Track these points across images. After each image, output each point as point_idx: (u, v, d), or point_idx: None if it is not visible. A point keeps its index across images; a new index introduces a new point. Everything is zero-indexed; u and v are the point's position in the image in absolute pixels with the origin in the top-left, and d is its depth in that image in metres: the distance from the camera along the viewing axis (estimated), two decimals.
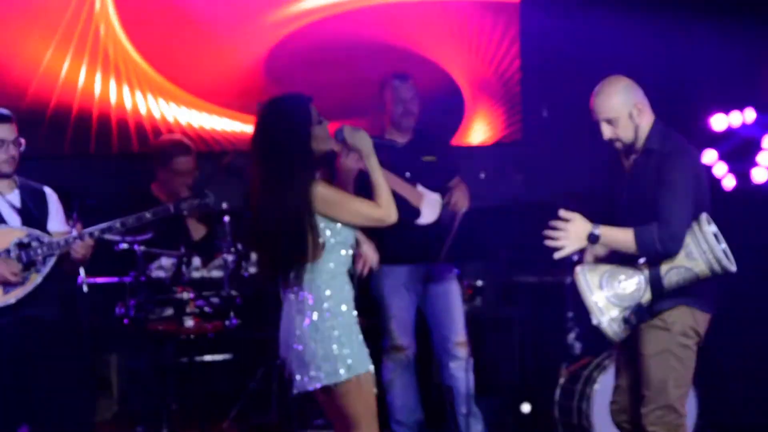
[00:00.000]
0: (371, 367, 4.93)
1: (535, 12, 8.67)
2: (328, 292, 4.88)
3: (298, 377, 4.93)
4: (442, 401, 6.94)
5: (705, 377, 6.90)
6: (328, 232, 4.88)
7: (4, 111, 5.76)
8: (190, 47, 8.08)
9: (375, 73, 7.42)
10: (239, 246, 7.05)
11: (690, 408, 6.79)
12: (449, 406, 6.93)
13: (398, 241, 6.52)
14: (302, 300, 4.89)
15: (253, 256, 7.12)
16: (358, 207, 4.94)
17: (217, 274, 7.16)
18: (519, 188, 8.59)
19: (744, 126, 7.82)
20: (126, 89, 7.97)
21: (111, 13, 7.93)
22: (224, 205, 7.07)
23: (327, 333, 4.85)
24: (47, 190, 5.92)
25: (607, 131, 5.26)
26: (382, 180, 4.98)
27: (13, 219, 5.72)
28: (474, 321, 7.35)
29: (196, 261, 7.16)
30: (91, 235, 5.68)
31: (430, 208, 6.80)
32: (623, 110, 5.22)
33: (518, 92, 8.79)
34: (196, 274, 7.16)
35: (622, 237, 5.11)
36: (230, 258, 7.05)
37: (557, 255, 5.16)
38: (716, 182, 7.69)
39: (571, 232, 5.13)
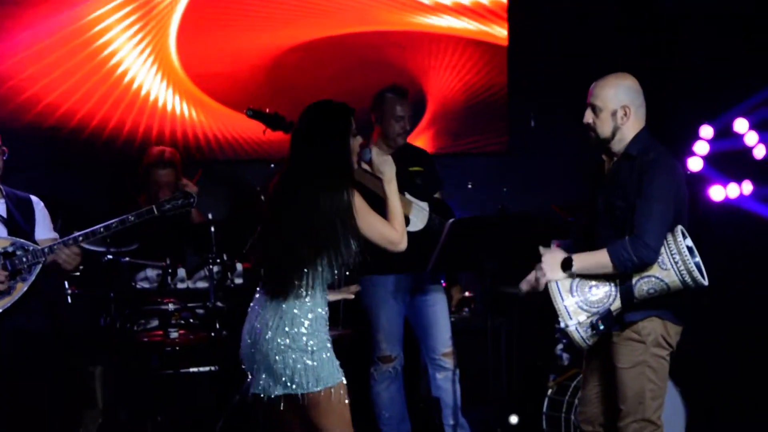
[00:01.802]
0: (343, 379, 4.92)
1: (524, 22, 8.67)
2: (308, 303, 4.88)
3: (262, 382, 4.92)
4: (428, 413, 6.90)
5: (693, 387, 6.93)
6: (342, 245, 4.89)
7: None
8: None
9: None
10: (225, 257, 7.02)
11: (679, 420, 6.83)
12: (436, 417, 6.90)
13: (389, 251, 6.52)
14: (283, 307, 4.87)
15: (239, 267, 7.11)
16: (375, 222, 4.96)
17: (202, 285, 7.13)
18: (507, 198, 8.57)
19: None
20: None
21: None
22: (210, 216, 7.05)
23: (301, 343, 4.84)
24: (34, 198, 5.89)
25: (587, 116, 5.27)
26: (399, 207, 5.03)
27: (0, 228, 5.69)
28: (461, 332, 7.32)
29: (181, 272, 7.13)
30: (75, 240, 5.63)
31: (418, 216, 6.78)
32: (609, 104, 5.21)
33: (505, 102, 8.78)
34: (181, 285, 7.14)
35: (598, 259, 5.11)
36: (215, 269, 7.02)
37: (535, 285, 5.24)
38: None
39: (545, 265, 5.16)
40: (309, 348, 4.85)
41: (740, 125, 8.35)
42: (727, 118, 8.36)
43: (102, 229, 5.66)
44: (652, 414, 5.21)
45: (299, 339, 4.84)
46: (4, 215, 5.73)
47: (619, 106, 5.21)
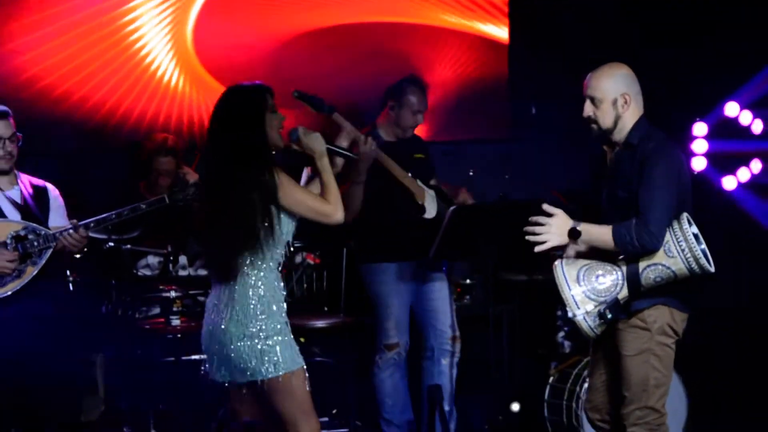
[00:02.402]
0: (303, 364, 4.94)
1: (525, 9, 8.66)
2: (261, 290, 4.89)
3: (223, 371, 4.94)
4: (432, 401, 6.87)
5: (696, 376, 6.93)
6: (275, 222, 4.90)
7: (1, 107, 5.80)
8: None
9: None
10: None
11: (681, 407, 6.83)
12: (437, 405, 6.87)
13: (403, 237, 6.53)
14: (235, 296, 4.89)
15: None
16: (304, 197, 4.97)
17: (203, 272, 7.12)
18: (508, 185, 8.56)
19: None
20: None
21: None
22: None
23: (256, 330, 4.86)
24: (50, 186, 5.98)
25: (587, 109, 5.25)
26: (332, 180, 5.03)
27: (14, 214, 5.78)
28: (463, 319, 7.32)
29: (183, 259, 7.13)
30: (86, 226, 5.68)
31: (431, 204, 6.80)
32: (609, 94, 5.20)
33: (506, 90, 8.77)
34: (182, 272, 7.14)
35: (601, 233, 5.10)
36: None
37: (538, 249, 5.16)
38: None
39: (553, 227, 5.12)
40: (263, 334, 4.87)
41: (731, 109, 8.33)
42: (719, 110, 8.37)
43: (114, 216, 5.73)
44: (655, 402, 5.21)
45: (253, 326, 4.86)
46: (20, 201, 5.80)
47: (618, 95, 5.20)
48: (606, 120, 5.23)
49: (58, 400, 5.86)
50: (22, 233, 5.67)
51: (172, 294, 6.89)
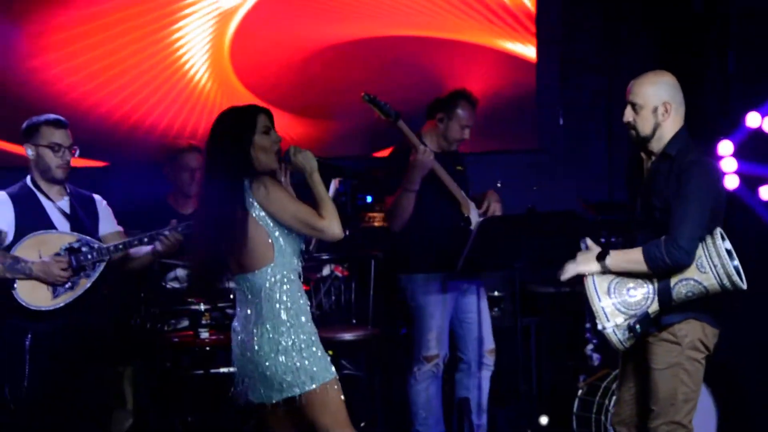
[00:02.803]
0: (335, 374, 4.97)
1: (552, 19, 8.64)
2: (287, 303, 4.93)
3: (261, 390, 4.97)
4: (461, 415, 6.86)
5: (725, 391, 6.89)
6: (276, 233, 4.94)
7: (62, 118, 5.88)
8: None
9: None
10: None
11: (710, 422, 6.79)
12: (465, 417, 6.87)
13: (449, 248, 6.51)
14: (261, 312, 4.93)
15: None
16: (297, 210, 4.98)
17: (232, 284, 7.11)
18: (536, 196, 8.55)
19: None
20: None
21: None
22: None
23: (288, 344, 4.89)
24: (96, 197, 6.04)
25: (627, 114, 5.23)
26: (325, 195, 5.05)
27: (63, 225, 5.81)
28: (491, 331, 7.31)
29: None
30: (140, 240, 5.81)
31: (474, 215, 6.81)
32: (650, 101, 5.18)
33: (534, 101, 8.76)
34: None
35: (632, 258, 5.09)
36: None
37: (563, 277, 5.20)
38: None
39: (580, 258, 5.15)
40: (296, 347, 4.90)
41: (752, 119, 8.27)
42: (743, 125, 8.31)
43: (180, 229, 5.82)
44: (683, 417, 5.18)
45: (285, 340, 4.90)
46: (69, 212, 5.84)
47: (659, 103, 5.17)
48: (645, 127, 5.20)
49: (89, 413, 5.87)
50: (76, 245, 5.73)
51: (201, 307, 6.89)
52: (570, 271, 5.18)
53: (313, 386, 4.89)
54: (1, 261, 5.61)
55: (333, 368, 4.98)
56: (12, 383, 5.75)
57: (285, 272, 4.95)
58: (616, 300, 5.10)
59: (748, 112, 8.08)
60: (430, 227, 6.75)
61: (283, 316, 4.90)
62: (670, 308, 5.10)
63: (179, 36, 8.10)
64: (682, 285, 5.05)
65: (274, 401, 4.95)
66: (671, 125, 5.20)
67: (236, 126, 5.04)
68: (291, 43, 8.27)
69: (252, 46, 8.22)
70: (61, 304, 5.68)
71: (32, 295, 5.66)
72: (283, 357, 4.88)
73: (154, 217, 7.01)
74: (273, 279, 4.93)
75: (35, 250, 5.67)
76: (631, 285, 5.11)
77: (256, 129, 5.03)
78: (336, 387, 4.96)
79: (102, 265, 5.77)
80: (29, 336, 5.66)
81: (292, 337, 4.90)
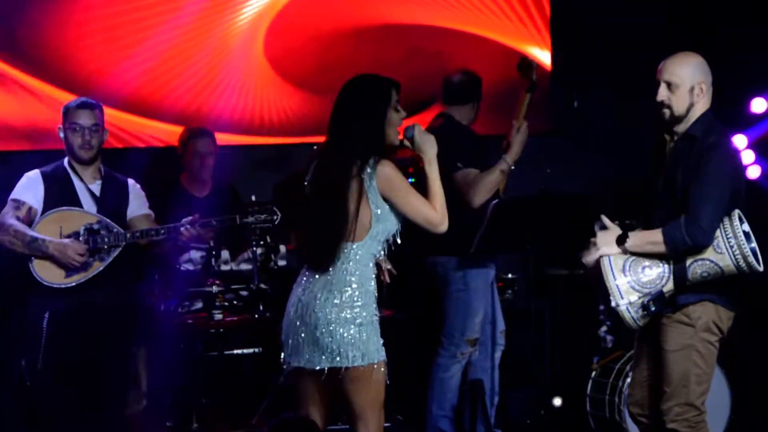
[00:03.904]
0: (385, 358, 4.95)
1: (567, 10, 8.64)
2: (358, 279, 4.89)
3: (307, 355, 4.92)
4: (474, 397, 6.85)
5: (738, 374, 6.88)
6: (378, 217, 4.89)
7: (86, 99, 5.98)
8: None
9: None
10: (268, 239, 7.04)
11: (723, 405, 6.78)
12: (479, 399, 6.85)
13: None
14: (332, 280, 4.89)
15: (282, 249, 7.13)
16: (416, 201, 4.95)
17: (245, 267, 7.14)
18: (550, 180, 8.53)
19: None
20: None
21: None
22: (252, 198, 7.06)
23: (351, 316, 4.86)
24: (130, 181, 6.13)
25: (662, 93, 5.20)
26: (439, 188, 4.99)
27: (91, 206, 5.93)
28: (505, 314, 7.31)
29: (225, 254, 7.15)
30: (157, 232, 5.82)
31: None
32: (688, 81, 5.16)
33: (547, 83, 8.75)
34: (224, 267, 7.15)
35: (652, 238, 5.08)
36: (259, 251, 7.03)
37: (586, 260, 5.19)
38: None
39: (600, 240, 5.13)
40: (357, 321, 4.87)
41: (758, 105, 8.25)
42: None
43: (215, 222, 5.85)
44: (696, 398, 5.18)
45: (349, 312, 4.86)
46: (98, 194, 5.95)
47: (696, 83, 5.17)
48: (680, 106, 5.18)
49: (110, 392, 5.94)
50: (96, 227, 5.82)
51: (215, 289, 6.91)
52: (592, 254, 5.17)
53: (363, 363, 4.86)
54: (22, 238, 5.74)
55: (384, 351, 4.96)
56: (28, 358, 5.90)
57: (368, 253, 4.92)
58: (631, 278, 5.10)
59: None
60: (484, 210, 6.68)
61: (354, 290, 4.87)
62: (686, 288, 5.09)
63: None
64: (697, 265, 5.04)
65: (317, 368, 4.91)
66: (701, 106, 5.20)
67: (374, 98, 4.95)
68: (321, 22, 8.37)
69: (286, 25, 8.32)
70: (73, 284, 5.79)
71: (46, 271, 5.78)
72: (341, 328, 4.85)
73: (166, 197, 7.07)
74: (356, 256, 4.89)
75: (56, 225, 5.80)
76: (647, 264, 5.11)
77: (390, 102, 4.96)
78: (383, 370, 4.94)
79: (117, 250, 5.84)
80: (47, 313, 5.78)
81: (356, 311, 4.87)
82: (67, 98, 6.58)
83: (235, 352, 6.93)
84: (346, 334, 4.85)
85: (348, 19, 8.44)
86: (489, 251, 6.92)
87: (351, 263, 4.89)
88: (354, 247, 4.89)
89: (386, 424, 6.97)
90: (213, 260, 7.07)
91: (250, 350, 7.00)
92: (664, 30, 8.35)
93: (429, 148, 5.01)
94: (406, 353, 7.11)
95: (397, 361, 7.15)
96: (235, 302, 7.09)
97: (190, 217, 5.84)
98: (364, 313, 4.90)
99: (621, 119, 8.41)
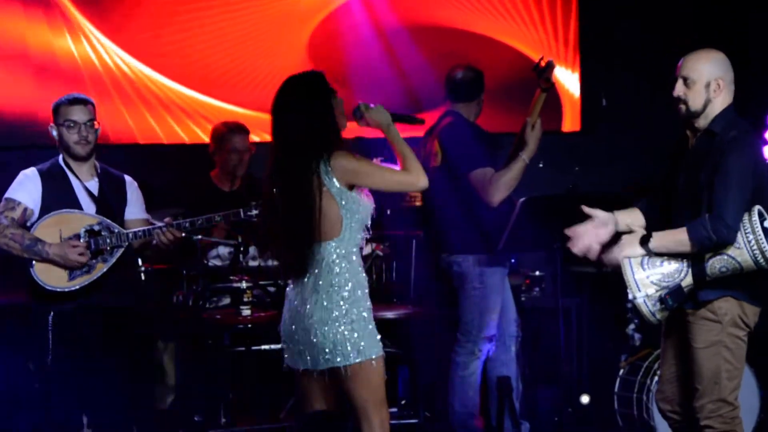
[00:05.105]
0: (382, 352, 4.95)
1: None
2: (346, 275, 4.90)
3: (307, 356, 4.93)
4: (502, 394, 6.84)
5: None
6: (347, 208, 4.89)
7: (78, 95, 5.87)
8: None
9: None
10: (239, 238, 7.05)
11: (753, 403, 6.76)
12: (506, 397, 6.85)
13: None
14: (319, 281, 4.90)
15: (252, 250, 7.15)
16: (383, 173, 4.97)
17: (273, 262, 7.15)
18: (577, 178, 8.53)
19: None
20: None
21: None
22: None
23: (342, 314, 4.87)
24: (128, 179, 6.00)
25: (678, 88, 5.19)
26: (405, 148, 4.99)
27: (89, 206, 5.79)
28: (532, 312, 7.29)
29: (253, 250, 7.16)
30: (161, 230, 5.72)
31: None
32: (703, 77, 5.15)
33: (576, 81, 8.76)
34: (252, 263, 7.17)
35: (676, 237, 5.06)
36: (228, 250, 7.08)
37: (610, 262, 5.21)
38: None
39: (624, 242, 5.13)
40: (349, 319, 4.88)
41: None
42: None
43: (188, 224, 5.77)
44: (728, 394, 5.16)
45: (339, 311, 4.87)
46: (96, 193, 5.82)
47: (712, 79, 5.15)
48: (696, 102, 5.17)
49: (129, 389, 5.89)
50: (96, 228, 5.70)
51: (243, 284, 6.92)
52: (616, 257, 5.17)
53: (359, 360, 4.86)
54: (19, 241, 5.61)
55: (381, 346, 4.96)
56: (36, 360, 5.84)
57: (349, 246, 4.92)
58: (649, 272, 5.09)
59: None
60: (506, 206, 6.68)
61: (341, 288, 4.88)
62: (706, 284, 5.08)
63: None
64: (716, 260, 5.03)
65: (319, 369, 4.93)
66: (720, 102, 5.17)
67: (316, 94, 4.95)
68: (364, 25, 8.55)
69: (333, 28, 8.53)
70: (77, 287, 5.66)
71: (49, 275, 5.65)
72: (335, 327, 4.85)
73: (196, 194, 7.10)
74: (337, 252, 4.90)
75: (56, 228, 5.67)
76: (665, 258, 5.10)
77: (331, 94, 4.97)
78: (381, 365, 4.94)
79: (120, 251, 5.72)
80: (51, 314, 5.66)
81: (346, 309, 4.87)
82: None
83: (263, 347, 6.94)
84: (339, 334, 4.86)
85: (390, 21, 8.55)
86: (516, 249, 6.91)
87: (334, 261, 4.89)
88: (333, 244, 4.90)
89: (413, 421, 7.05)
90: (241, 256, 7.09)
91: (278, 345, 6.95)
92: (693, 26, 8.34)
93: (381, 118, 5.04)
94: (432, 350, 7.13)
95: (423, 358, 7.22)
96: (262, 298, 7.11)
97: (167, 218, 5.78)
98: (355, 310, 4.90)
99: (649, 117, 8.40)
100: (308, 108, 4.91)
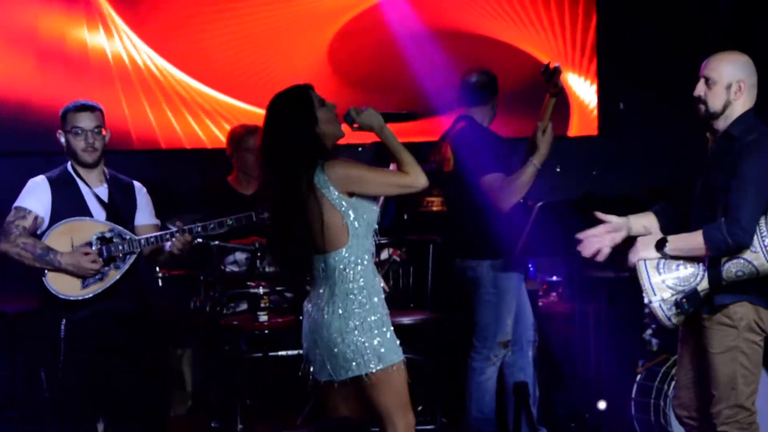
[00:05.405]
0: (402, 357, 4.93)
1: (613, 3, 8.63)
2: (361, 282, 4.89)
3: (328, 367, 4.92)
4: (520, 399, 6.82)
5: None
6: (351, 215, 4.87)
7: (85, 101, 5.82)
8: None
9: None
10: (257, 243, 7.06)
11: None
12: (524, 402, 6.83)
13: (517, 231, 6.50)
14: (335, 290, 4.89)
15: None
16: (381, 177, 4.94)
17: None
18: (595, 182, 8.52)
19: None
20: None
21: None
22: None
23: (359, 323, 4.85)
24: (137, 184, 5.97)
25: (699, 88, 5.17)
26: (401, 148, 4.95)
27: (100, 213, 5.76)
28: (549, 317, 7.27)
29: None
30: (172, 236, 5.71)
31: None
32: (725, 78, 5.13)
33: (595, 84, 8.75)
34: (270, 269, 7.17)
35: (692, 241, 5.04)
36: (245, 255, 7.09)
37: (629, 265, 5.19)
38: None
39: (640, 244, 5.12)
40: (365, 327, 4.86)
41: None
42: None
43: (199, 229, 5.75)
44: (745, 400, 5.14)
45: (356, 320, 4.85)
46: (106, 200, 5.79)
47: (734, 81, 5.13)
48: (715, 103, 5.15)
49: (146, 395, 5.89)
50: (108, 235, 5.68)
51: (260, 290, 6.92)
52: (632, 260, 5.16)
53: (380, 367, 4.85)
54: (31, 251, 5.58)
55: (401, 351, 4.94)
56: (48, 369, 5.78)
57: (359, 253, 4.90)
58: (665, 276, 5.09)
59: None
60: (517, 210, 6.66)
61: (356, 296, 4.87)
62: (722, 288, 5.06)
63: None
64: (732, 264, 5.01)
65: (341, 379, 4.91)
66: (741, 105, 5.15)
67: (297, 108, 4.93)
68: (386, 28, 8.59)
69: (356, 30, 8.60)
70: (90, 295, 5.63)
71: (62, 284, 5.61)
72: (353, 336, 4.84)
73: (215, 198, 7.10)
74: (347, 260, 4.88)
75: (67, 237, 5.64)
76: (681, 262, 5.09)
77: (314, 105, 4.95)
78: (402, 369, 4.92)
79: (132, 257, 5.70)
80: (63, 323, 5.62)
81: (363, 317, 4.86)
82: None
83: (280, 353, 6.94)
84: (358, 343, 4.85)
85: (409, 25, 8.59)
86: (533, 254, 6.89)
87: (346, 270, 4.88)
88: (343, 253, 4.88)
89: (430, 427, 7.04)
90: (258, 261, 7.09)
91: (295, 352, 7.00)
92: (710, 31, 8.32)
93: (372, 121, 4.99)
94: (451, 355, 7.12)
95: (441, 363, 7.21)
96: (279, 304, 7.11)
97: (178, 222, 5.77)
98: (372, 318, 4.88)
99: (666, 122, 8.38)
100: (289, 123, 4.91)
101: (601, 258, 5.29)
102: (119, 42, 8.36)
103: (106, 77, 8.31)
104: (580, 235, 5.33)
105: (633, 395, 7.09)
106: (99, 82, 8.25)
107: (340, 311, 4.87)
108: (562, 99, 7.39)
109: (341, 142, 5.07)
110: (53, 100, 7.59)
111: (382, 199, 5.96)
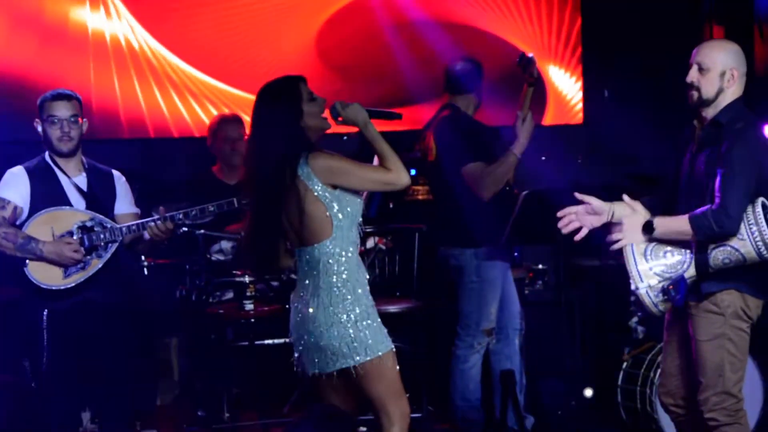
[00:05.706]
0: (392, 346, 4.93)
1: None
2: (344, 275, 4.88)
3: (316, 360, 4.92)
4: (506, 386, 6.84)
5: None
6: (335, 207, 4.86)
7: (62, 90, 5.80)
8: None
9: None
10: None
11: (757, 392, 6.75)
12: (510, 390, 6.84)
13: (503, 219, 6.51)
14: (319, 283, 4.88)
15: None
16: (363, 172, 4.91)
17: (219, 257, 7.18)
18: (580, 171, 8.53)
19: None
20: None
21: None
22: None
23: (345, 315, 4.84)
24: (115, 173, 5.95)
25: (692, 74, 5.18)
26: (384, 145, 4.94)
27: (79, 202, 5.75)
28: (535, 305, 7.28)
29: None
30: (154, 223, 5.69)
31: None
32: (719, 65, 5.14)
33: (579, 72, 8.76)
34: None
35: (679, 225, 5.06)
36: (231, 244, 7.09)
37: (614, 247, 5.18)
38: None
39: (626, 226, 5.11)
40: (352, 319, 4.85)
41: None
42: None
43: (181, 215, 5.72)
44: (732, 387, 5.16)
45: (341, 312, 4.85)
46: (85, 189, 5.78)
47: (728, 68, 5.14)
48: (708, 90, 5.16)
49: (132, 384, 5.88)
50: (89, 224, 5.67)
51: (246, 279, 6.92)
52: (619, 243, 5.17)
53: (368, 358, 4.84)
54: (12, 240, 5.57)
55: (389, 340, 4.93)
56: (32, 359, 5.76)
57: (343, 245, 4.89)
58: (653, 263, 5.10)
59: None
60: (502, 198, 6.66)
61: (340, 288, 4.86)
62: (709, 276, 5.08)
63: None
64: (719, 251, 5.03)
65: (328, 371, 4.91)
66: (731, 93, 5.17)
67: (283, 100, 4.92)
68: (374, 18, 8.62)
69: (343, 19, 8.61)
70: (72, 284, 5.63)
71: (43, 273, 5.61)
72: (339, 328, 4.83)
73: (199, 189, 7.09)
74: (331, 252, 4.86)
75: (48, 226, 5.63)
76: (668, 249, 5.11)
77: (302, 98, 4.94)
78: (391, 359, 4.92)
79: (114, 246, 5.70)
80: (45, 313, 5.61)
81: (348, 308, 4.85)
82: None
83: (266, 342, 6.94)
84: (345, 334, 4.84)
85: (396, 15, 8.61)
86: (519, 242, 6.90)
87: (330, 262, 4.87)
88: (327, 245, 4.87)
89: (416, 415, 7.04)
90: None
91: (281, 340, 6.99)
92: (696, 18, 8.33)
93: (357, 116, 4.97)
94: (435, 344, 7.13)
95: (427, 352, 7.22)
96: (266, 292, 7.11)
97: (161, 208, 5.75)
98: (357, 309, 4.87)
99: (651, 110, 8.39)
100: (275, 114, 4.90)
101: (578, 238, 5.29)
102: (117, 22, 8.36)
103: (103, 58, 8.31)
104: (560, 213, 5.33)
105: (619, 383, 7.10)
106: (96, 64, 8.26)
107: (326, 304, 4.86)
108: (539, 88, 7.41)
109: (327, 131, 5.07)
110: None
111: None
